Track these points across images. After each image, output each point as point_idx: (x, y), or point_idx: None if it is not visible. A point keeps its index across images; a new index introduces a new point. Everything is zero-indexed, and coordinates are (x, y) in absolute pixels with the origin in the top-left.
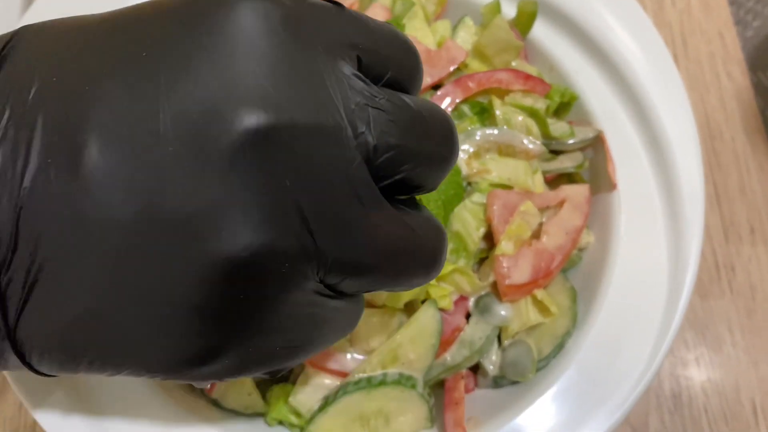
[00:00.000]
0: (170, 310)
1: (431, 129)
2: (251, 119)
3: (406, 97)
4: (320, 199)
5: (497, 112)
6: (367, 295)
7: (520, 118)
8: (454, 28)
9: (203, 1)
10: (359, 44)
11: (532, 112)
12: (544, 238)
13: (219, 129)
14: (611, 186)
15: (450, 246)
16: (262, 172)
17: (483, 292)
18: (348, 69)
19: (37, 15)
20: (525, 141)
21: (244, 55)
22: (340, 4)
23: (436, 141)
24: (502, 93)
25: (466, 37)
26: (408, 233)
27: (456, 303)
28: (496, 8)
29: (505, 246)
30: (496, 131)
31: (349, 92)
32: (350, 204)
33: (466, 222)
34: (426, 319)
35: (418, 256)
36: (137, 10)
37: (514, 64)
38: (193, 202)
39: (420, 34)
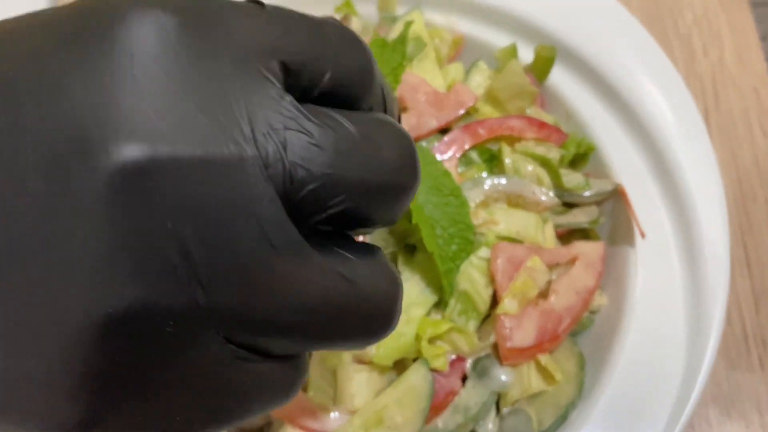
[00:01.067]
0: (42, 368)
1: (379, 152)
2: (125, 152)
3: (340, 115)
4: (213, 245)
5: (506, 161)
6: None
7: (531, 167)
8: (468, 72)
9: (91, 12)
10: (283, 49)
11: (543, 162)
12: (552, 298)
13: (86, 165)
14: (631, 240)
15: (458, 307)
16: (136, 214)
17: (482, 353)
18: (265, 83)
19: None
20: (536, 191)
21: (126, 75)
22: (259, 2)
23: (386, 166)
24: (514, 140)
25: (480, 80)
26: (342, 285)
27: (452, 364)
28: (511, 52)
29: (508, 304)
30: (505, 180)
31: (263, 113)
32: (255, 250)
33: (473, 280)
34: (416, 379)
35: (358, 313)
36: (22, 21)
37: (529, 111)
38: (57, 252)
39: (429, 75)
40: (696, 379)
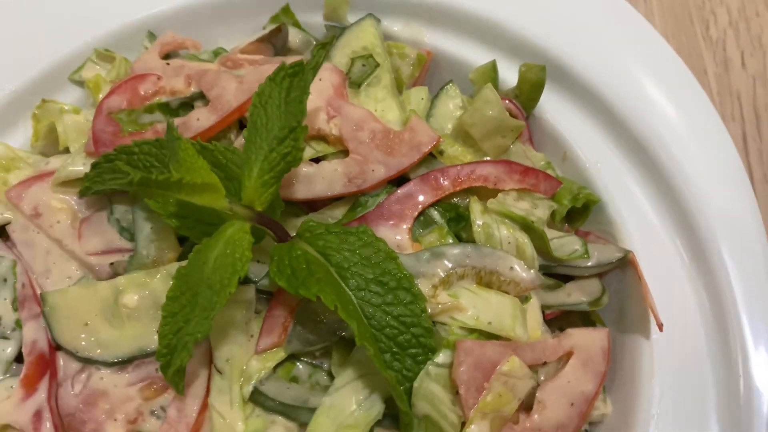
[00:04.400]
0: None
1: None
2: None
3: None
4: None
5: (476, 224)
6: None
7: (506, 232)
8: (434, 99)
9: None
10: None
11: (525, 225)
12: (536, 415)
13: None
14: (646, 329)
15: None
16: None
17: None
18: None
19: None
20: (515, 267)
21: None
22: None
23: None
24: (488, 193)
25: (450, 110)
26: None
27: None
28: (490, 74)
29: (476, 429)
30: (473, 249)
31: None
32: None
33: (434, 399)
34: None
35: None
36: None
37: (513, 149)
38: None
39: (381, 106)
40: None
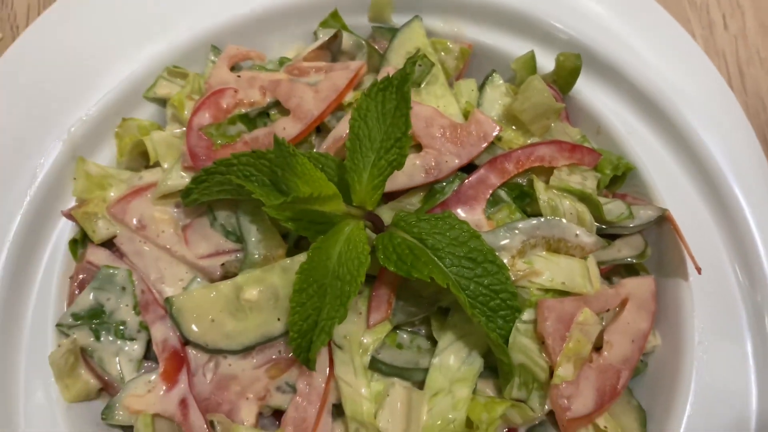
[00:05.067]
0: None
1: None
2: None
3: None
4: None
5: (541, 199)
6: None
7: (567, 203)
8: (481, 88)
9: None
10: None
11: (582, 196)
12: (606, 351)
13: None
14: (684, 272)
15: (516, 381)
16: None
17: (536, 422)
18: None
19: None
20: (579, 234)
21: None
22: None
23: None
24: (544, 171)
25: (495, 97)
26: None
27: None
28: (530, 63)
29: (563, 371)
30: (543, 223)
31: None
32: None
33: (526, 349)
34: None
35: None
36: None
37: (553, 127)
38: None
39: (442, 102)
40: None
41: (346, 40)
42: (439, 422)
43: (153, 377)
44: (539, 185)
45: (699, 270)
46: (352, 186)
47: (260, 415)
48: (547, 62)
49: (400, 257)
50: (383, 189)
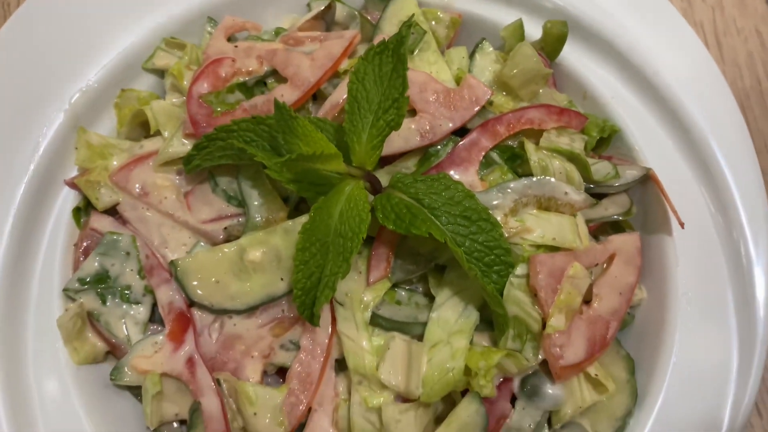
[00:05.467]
0: None
1: None
2: None
3: None
4: None
5: (532, 159)
6: (401, 388)
7: (557, 163)
8: (472, 55)
9: None
10: None
11: (571, 156)
12: (595, 304)
13: None
14: (668, 228)
15: (510, 333)
16: None
17: (530, 371)
18: None
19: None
20: (569, 192)
21: None
22: None
23: None
24: (534, 133)
25: (486, 64)
26: None
27: (499, 387)
28: (518, 31)
29: (555, 321)
30: (534, 182)
31: None
32: None
33: (520, 302)
34: (469, 416)
35: None
36: None
37: (541, 92)
38: None
39: (434, 68)
40: (751, 368)
41: (340, 11)
42: (438, 372)
43: (160, 338)
44: (530, 146)
45: (682, 225)
46: (351, 147)
47: (264, 373)
48: (534, 31)
49: (399, 216)
50: (382, 149)
